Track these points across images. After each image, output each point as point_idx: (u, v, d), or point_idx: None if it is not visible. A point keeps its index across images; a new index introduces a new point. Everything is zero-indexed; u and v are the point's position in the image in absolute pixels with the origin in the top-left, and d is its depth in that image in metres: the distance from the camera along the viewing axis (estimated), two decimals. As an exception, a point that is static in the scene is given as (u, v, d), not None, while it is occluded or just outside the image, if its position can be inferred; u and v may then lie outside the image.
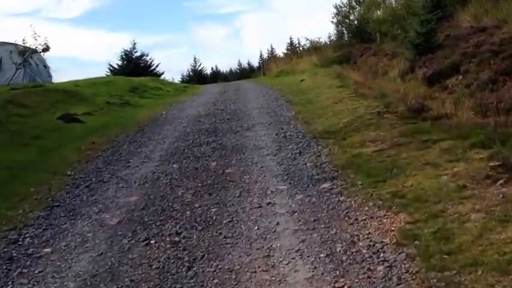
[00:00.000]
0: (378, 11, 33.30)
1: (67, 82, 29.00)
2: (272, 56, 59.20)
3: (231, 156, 11.97)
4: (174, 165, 11.55)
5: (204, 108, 20.19)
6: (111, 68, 50.19)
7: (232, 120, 16.83)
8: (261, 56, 64.45)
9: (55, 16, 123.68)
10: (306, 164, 10.65)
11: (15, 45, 27.60)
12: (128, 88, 27.96)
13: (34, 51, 27.44)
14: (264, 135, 13.88)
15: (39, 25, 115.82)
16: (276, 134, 13.82)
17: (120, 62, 50.20)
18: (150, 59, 52.19)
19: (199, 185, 9.95)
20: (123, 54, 50.33)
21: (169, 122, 17.70)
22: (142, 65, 50.78)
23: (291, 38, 58.44)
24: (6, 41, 29.61)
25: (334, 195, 8.51)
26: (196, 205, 8.80)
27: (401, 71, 20.26)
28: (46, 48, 27.31)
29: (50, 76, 35.57)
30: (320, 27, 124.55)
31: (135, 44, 50.08)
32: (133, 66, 48.33)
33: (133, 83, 29.85)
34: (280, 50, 67.93)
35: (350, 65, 29.50)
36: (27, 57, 27.24)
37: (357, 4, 35.92)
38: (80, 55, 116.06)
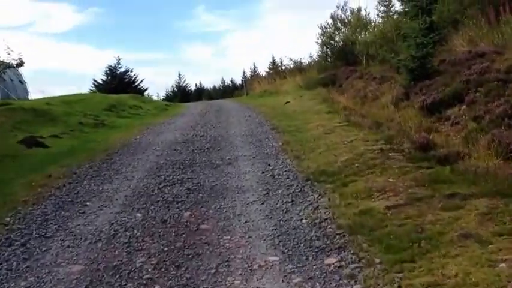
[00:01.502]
0: (364, 33, 30.96)
1: (40, 99, 26.50)
2: (255, 74, 57.80)
3: (209, 202, 9.27)
4: (138, 215, 8.79)
5: (182, 133, 17.56)
6: (95, 83, 48.39)
7: (212, 150, 14.20)
8: (244, 74, 63.10)
9: (47, 31, 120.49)
10: (301, 220, 7.96)
11: (-12, 60, 24.91)
12: (105, 106, 25.34)
13: (8, 66, 24.73)
14: (248, 173, 11.23)
15: (31, 39, 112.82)
16: (263, 172, 11.16)
17: (104, 78, 48.31)
18: (134, 74, 50.47)
19: (166, 249, 7.21)
20: (107, 69, 48.46)
21: (142, 149, 15.06)
22: (126, 80, 49.23)
23: (273, 57, 56.82)
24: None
25: (345, 281, 5.77)
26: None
27: (395, 97, 17.72)
28: (20, 63, 24.65)
29: (27, 92, 32.92)
30: (304, 48, 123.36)
31: (119, 59, 48.53)
32: (118, 81, 46.95)
33: (112, 101, 27.23)
34: (263, 69, 65.75)
35: (335, 87, 27.14)
36: (0, 72, 24.60)
37: (342, 25, 33.61)
38: (72, 69, 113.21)
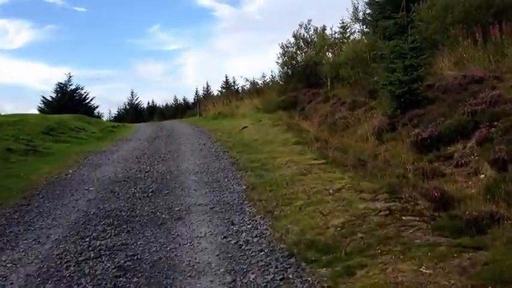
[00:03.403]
0: (331, 53, 27.95)
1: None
2: (208, 93, 55.36)
3: (147, 297, 5.86)
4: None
5: (124, 167, 14.09)
6: (44, 100, 45.06)
7: (158, 194, 10.78)
8: (196, 93, 60.38)
9: (1, 47, 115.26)
10: None
11: None
12: (43, 129, 21.70)
13: None
14: (204, 237, 7.81)
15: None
16: (224, 237, 7.74)
17: (54, 95, 45.14)
18: (85, 92, 48.15)
19: None
20: (57, 87, 45.48)
21: (72, 189, 11.65)
22: (76, 98, 46.40)
23: (226, 77, 54.02)
24: None
25: None
26: None
27: (377, 127, 14.53)
28: None
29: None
30: (259, 70, 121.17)
31: (70, 76, 45.82)
32: (68, 99, 44.30)
33: (51, 123, 23.58)
34: (216, 88, 62.97)
35: (297, 111, 23.93)
36: None
37: (305, 45, 30.53)
38: (26, 85, 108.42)
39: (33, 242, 8.01)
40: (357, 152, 13.31)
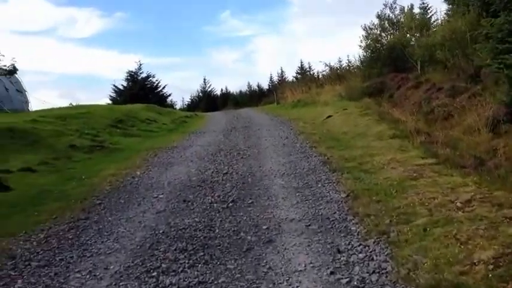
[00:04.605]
0: (422, 34, 25.57)
1: (33, 112, 21.81)
2: (283, 79, 53.74)
3: None
4: None
5: (198, 167, 12.41)
6: (115, 89, 44.41)
7: (240, 204, 8.96)
8: (271, 79, 58.47)
9: (71, 35, 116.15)
10: None
11: (-26, 66, 19.75)
12: (111, 121, 20.34)
13: (-1, 73, 19.74)
14: (304, 271, 5.88)
15: (56, 44, 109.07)
16: (332, 273, 5.77)
17: (125, 83, 44.34)
18: (156, 80, 47.26)
19: None
20: (128, 75, 44.51)
21: (139, 196, 10.04)
22: (148, 86, 45.14)
23: (301, 62, 51.98)
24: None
25: None
26: None
27: (491, 118, 12.40)
28: (13, 70, 19.55)
29: (26, 102, 27.94)
30: (334, 54, 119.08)
31: (140, 64, 45.14)
32: (139, 87, 43.43)
33: (119, 114, 22.21)
34: (291, 74, 61.05)
35: (385, 98, 21.81)
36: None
37: (390, 26, 28.28)
38: (98, 74, 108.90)
39: (88, 275, 6.28)
40: (470, 148, 11.31)
